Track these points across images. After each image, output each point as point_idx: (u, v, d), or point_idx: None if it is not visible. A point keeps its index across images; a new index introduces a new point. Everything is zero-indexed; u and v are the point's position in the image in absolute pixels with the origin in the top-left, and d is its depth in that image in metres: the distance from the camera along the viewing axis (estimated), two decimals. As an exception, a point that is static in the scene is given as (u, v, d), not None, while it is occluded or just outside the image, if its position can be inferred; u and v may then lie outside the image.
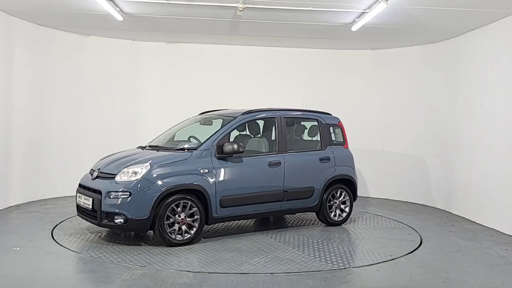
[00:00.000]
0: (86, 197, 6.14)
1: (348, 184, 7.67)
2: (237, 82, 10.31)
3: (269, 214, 7.06)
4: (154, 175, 5.93)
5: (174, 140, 7.19)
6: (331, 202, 7.47)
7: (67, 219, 7.41)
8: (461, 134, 8.53)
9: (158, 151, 6.63)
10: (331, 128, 7.69)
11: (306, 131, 7.69)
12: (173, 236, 5.98)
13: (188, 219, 6.08)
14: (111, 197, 5.83)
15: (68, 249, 5.81)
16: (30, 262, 5.28)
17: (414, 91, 9.85)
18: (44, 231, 6.64)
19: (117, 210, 5.79)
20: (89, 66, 9.68)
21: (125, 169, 6.05)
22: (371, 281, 4.96)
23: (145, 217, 5.81)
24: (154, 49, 10.17)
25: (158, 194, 5.86)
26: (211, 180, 6.24)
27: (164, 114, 9.79)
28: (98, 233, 6.56)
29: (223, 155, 6.39)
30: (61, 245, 5.96)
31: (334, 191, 7.48)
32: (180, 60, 10.24)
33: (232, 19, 7.95)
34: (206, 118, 7.55)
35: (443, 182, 9.11)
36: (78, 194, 6.40)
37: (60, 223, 7.14)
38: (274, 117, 7.15)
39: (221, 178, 6.35)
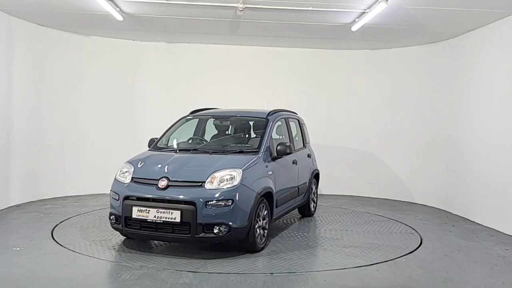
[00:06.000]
0: (164, 210, 5.41)
1: (317, 177, 8.39)
2: (237, 82, 10.31)
3: (289, 211, 7.23)
4: (248, 180, 5.67)
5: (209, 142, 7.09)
6: (310, 195, 7.99)
7: (67, 219, 7.41)
8: (461, 134, 8.52)
9: (211, 154, 6.21)
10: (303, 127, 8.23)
11: (295, 130, 7.92)
12: (259, 241, 5.83)
13: (263, 222, 6.00)
14: (210, 206, 5.38)
15: (68, 249, 5.81)
16: (30, 262, 5.29)
17: (414, 91, 9.84)
18: (44, 231, 6.64)
19: (223, 220, 5.39)
20: (89, 66, 9.67)
21: (216, 175, 5.56)
22: (371, 281, 4.96)
23: (245, 225, 5.54)
24: (154, 49, 10.17)
25: (255, 199, 5.67)
26: (274, 181, 6.24)
27: (164, 114, 9.76)
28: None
29: (276, 157, 6.43)
30: (61, 245, 5.96)
31: (312, 185, 8.02)
32: (180, 60, 10.24)
33: (232, 19, 7.95)
34: (221, 118, 7.40)
35: (443, 182, 9.11)
36: (139, 207, 5.51)
37: (60, 223, 7.14)
38: (283, 118, 7.40)
39: (277, 179, 6.36)
